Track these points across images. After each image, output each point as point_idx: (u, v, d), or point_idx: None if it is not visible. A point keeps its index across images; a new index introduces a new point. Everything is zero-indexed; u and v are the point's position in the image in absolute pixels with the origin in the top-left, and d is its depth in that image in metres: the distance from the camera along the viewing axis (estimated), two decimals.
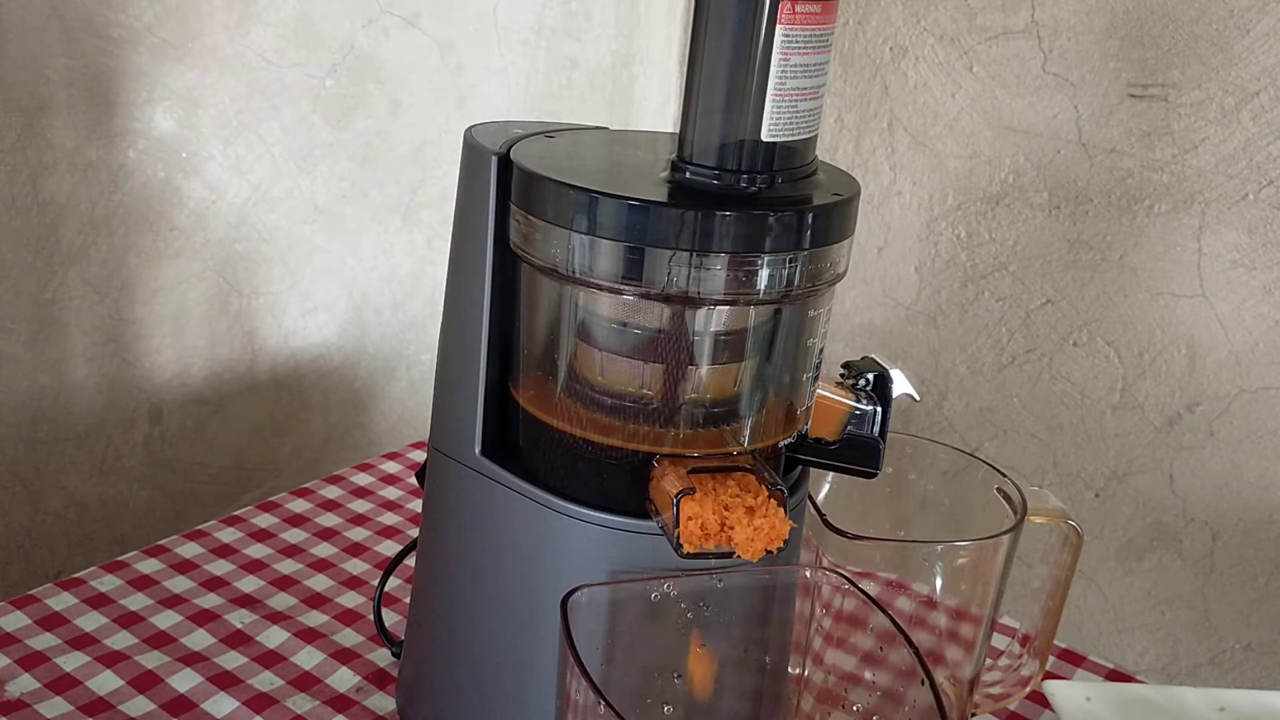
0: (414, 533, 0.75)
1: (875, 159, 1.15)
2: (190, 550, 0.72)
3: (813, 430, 0.50)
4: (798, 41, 0.42)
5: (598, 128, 0.54)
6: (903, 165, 1.13)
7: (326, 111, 0.91)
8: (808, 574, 0.48)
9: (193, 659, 0.62)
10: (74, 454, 0.82)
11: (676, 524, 0.43)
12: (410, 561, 0.63)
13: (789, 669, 0.51)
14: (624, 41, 1.15)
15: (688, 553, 0.43)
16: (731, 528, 0.43)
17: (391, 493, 0.82)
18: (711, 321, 0.45)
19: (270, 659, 0.63)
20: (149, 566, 0.69)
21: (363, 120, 0.94)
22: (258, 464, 0.95)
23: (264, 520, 0.76)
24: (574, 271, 0.44)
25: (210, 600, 0.67)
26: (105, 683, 0.59)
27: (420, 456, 0.86)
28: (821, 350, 0.49)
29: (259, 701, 0.59)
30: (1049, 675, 0.65)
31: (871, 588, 0.54)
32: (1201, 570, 1.05)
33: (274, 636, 0.64)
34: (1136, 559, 1.08)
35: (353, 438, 1.02)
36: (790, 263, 0.44)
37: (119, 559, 0.70)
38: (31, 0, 0.72)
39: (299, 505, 0.78)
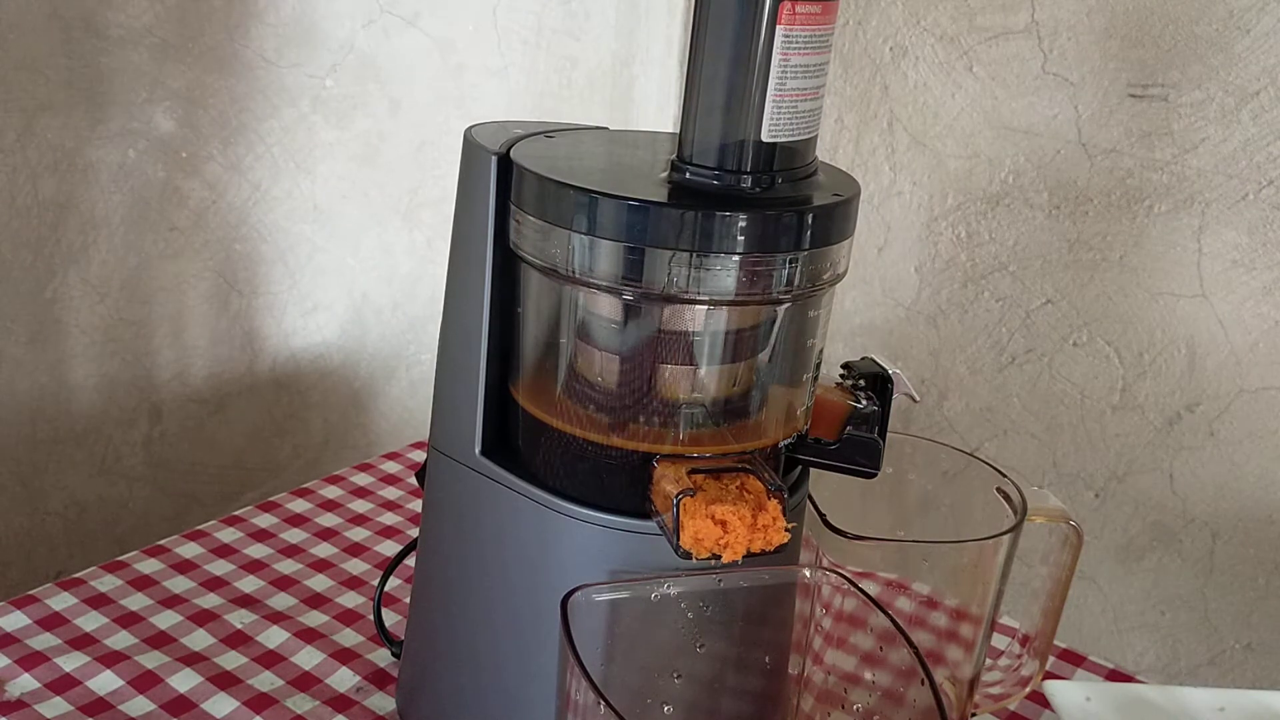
0: (414, 533, 0.75)
1: (875, 159, 1.15)
2: (190, 550, 0.72)
3: (813, 430, 0.50)
4: (798, 42, 0.42)
5: (598, 128, 0.54)
6: (903, 165, 1.13)
7: (326, 111, 0.91)
8: (808, 574, 0.48)
9: (193, 659, 0.62)
10: (74, 454, 0.82)
11: (676, 524, 0.43)
12: (410, 561, 0.62)
13: (789, 669, 0.51)
14: (624, 41, 1.15)
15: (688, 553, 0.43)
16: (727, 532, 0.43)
17: (391, 493, 0.82)
18: (711, 322, 0.45)
19: (270, 659, 0.63)
20: (149, 566, 0.69)
21: (363, 120, 0.93)
22: (258, 464, 0.95)
23: (264, 520, 0.76)
24: (574, 272, 0.44)
25: (210, 600, 0.67)
26: (105, 683, 0.59)
27: (420, 456, 0.86)
28: (821, 350, 0.49)
29: (259, 701, 0.59)
30: (1049, 675, 0.65)
31: (871, 588, 0.54)
32: (1201, 570, 1.05)
33: (274, 636, 0.64)
34: (1136, 559, 1.08)
35: (353, 438, 1.02)
36: (790, 263, 0.44)
37: (119, 559, 0.70)
38: (31, 0, 0.72)
39: (299, 505, 0.78)
